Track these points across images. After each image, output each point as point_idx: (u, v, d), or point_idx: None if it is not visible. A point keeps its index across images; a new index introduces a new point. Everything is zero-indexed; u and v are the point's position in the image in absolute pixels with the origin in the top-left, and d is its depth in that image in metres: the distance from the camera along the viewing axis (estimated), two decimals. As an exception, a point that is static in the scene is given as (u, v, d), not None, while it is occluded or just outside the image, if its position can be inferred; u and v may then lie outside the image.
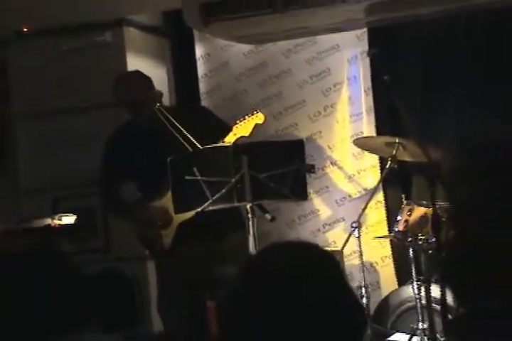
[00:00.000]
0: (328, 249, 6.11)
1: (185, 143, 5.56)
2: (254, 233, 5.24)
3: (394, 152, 5.84)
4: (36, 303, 2.34)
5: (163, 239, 5.78)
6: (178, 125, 5.60)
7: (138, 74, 5.98)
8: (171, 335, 5.66)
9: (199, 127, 5.70)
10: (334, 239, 6.65)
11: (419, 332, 5.63)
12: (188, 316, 5.69)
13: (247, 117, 5.56)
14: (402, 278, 6.48)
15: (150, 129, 5.74)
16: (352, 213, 6.50)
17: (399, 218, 5.80)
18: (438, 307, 5.46)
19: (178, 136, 5.58)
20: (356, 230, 5.88)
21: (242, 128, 5.54)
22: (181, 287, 5.78)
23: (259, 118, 5.57)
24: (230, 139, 5.51)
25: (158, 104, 5.76)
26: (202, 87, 7.29)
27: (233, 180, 5.13)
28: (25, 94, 7.05)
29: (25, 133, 7.07)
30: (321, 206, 6.92)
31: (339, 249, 6.05)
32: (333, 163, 6.91)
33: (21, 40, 6.97)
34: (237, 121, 5.56)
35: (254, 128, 5.50)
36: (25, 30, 6.89)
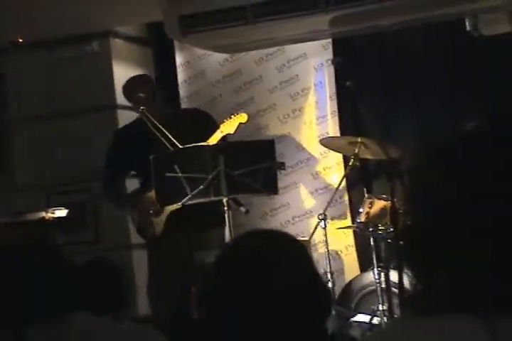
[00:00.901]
0: (298, 238, 6.11)
1: (167, 142, 5.57)
2: (229, 224, 5.25)
3: (356, 151, 5.85)
4: (35, 287, 2.35)
5: (155, 227, 5.78)
6: (160, 126, 5.60)
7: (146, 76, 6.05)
8: (157, 317, 5.65)
9: (189, 128, 5.72)
10: (303, 229, 6.64)
11: (379, 313, 5.64)
12: (174, 300, 5.69)
13: (232, 117, 5.56)
14: (364, 265, 6.48)
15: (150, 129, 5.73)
16: (318, 206, 6.52)
17: (361, 210, 5.81)
18: (396, 290, 5.49)
19: (160, 136, 5.58)
20: (322, 222, 5.89)
21: (228, 127, 5.54)
22: (169, 272, 5.78)
23: (242, 117, 5.58)
24: (216, 136, 5.53)
25: (142, 108, 5.75)
26: (182, 92, 7.28)
27: (210, 177, 5.14)
28: (21, 99, 7.03)
29: (21, 135, 7.05)
30: (290, 200, 6.92)
31: (307, 238, 6.04)
32: (301, 161, 6.91)
33: (17, 50, 6.96)
34: (224, 120, 5.56)
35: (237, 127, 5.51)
36: (20, 41, 6.88)
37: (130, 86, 5.94)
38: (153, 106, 5.74)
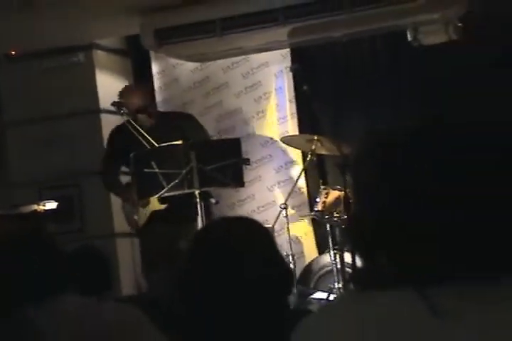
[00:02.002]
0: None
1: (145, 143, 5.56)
2: (201, 214, 5.24)
3: (313, 147, 5.85)
4: (29, 271, 2.35)
5: (140, 219, 5.76)
6: (140, 129, 5.59)
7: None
8: (142, 297, 5.65)
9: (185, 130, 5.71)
10: (267, 218, 6.63)
11: (335, 290, 5.65)
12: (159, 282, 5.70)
13: None
14: (322, 248, 6.48)
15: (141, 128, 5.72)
16: (280, 197, 6.52)
17: (318, 200, 5.82)
18: (350, 270, 5.51)
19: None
20: (284, 210, 5.90)
21: None
22: (152, 258, 5.78)
23: None
24: None
25: (122, 111, 5.74)
26: (158, 97, 7.23)
27: (184, 172, 5.13)
28: (13, 104, 6.98)
29: (14, 137, 7.01)
30: (255, 192, 6.91)
31: (271, 226, 6.04)
32: (265, 157, 6.91)
33: (10, 61, 6.92)
34: None
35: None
36: (12, 53, 6.85)
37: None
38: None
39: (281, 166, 6.90)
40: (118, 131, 5.97)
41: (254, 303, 2.02)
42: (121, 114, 5.89)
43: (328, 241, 5.87)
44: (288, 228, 5.96)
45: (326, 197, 5.72)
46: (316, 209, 5.83)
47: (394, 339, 1.06)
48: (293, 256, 5.89)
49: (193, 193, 5.21)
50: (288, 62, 6.66)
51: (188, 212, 5.57)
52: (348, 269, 5.56)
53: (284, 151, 6.81)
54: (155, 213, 5.65)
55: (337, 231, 5.80)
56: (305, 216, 6.45)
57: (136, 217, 5.76)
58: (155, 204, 5.62)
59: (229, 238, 2.09)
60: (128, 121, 5.72)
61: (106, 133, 6.27)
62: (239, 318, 1.99)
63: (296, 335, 1.18)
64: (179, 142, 5.43)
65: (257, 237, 2.14)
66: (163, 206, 5.57)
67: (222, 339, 1.99)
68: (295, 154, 6.76)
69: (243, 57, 6.74)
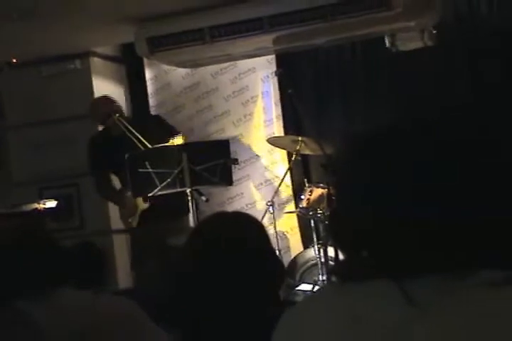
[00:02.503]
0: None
1: (139, 143, 5.54)
2: (193, 211, 5.24)
3: (298, 147, 5.86)
4: (30, 265, 2.34)
5: (133, 221, 5.78)
6: (133, 130, 5.59)
7: (105, 97, 6.04)
8: (137, 290, 5.64)
9: (153, 131, 5.70)
10: (255, 214, 6.61)
11: (319, 282, 5.66)
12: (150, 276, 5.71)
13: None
14: (306, 243, 6.48)
15: (116, 135, 5.71)
16: (267, 194, 6.52)
17: (302, 197, 5.82)
18: (333, 263, 5.51)
19: (133, 138, 5.56)
20: (271, 207, 5.90)
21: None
22: (144, 253, 5.79)
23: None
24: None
25: (117, 115, 5.74)
26: (151, 101, 7.26)
27: (176, 171, 5.13)
28: (15, 109, 6.97)
29: (15, 139, 6.99)
30: (243, 190, 6.91)
31: (259, 222, 6.05)
32: (252, 157, 6.91)
33: (11, 68, 6.91)
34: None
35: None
36: (14, 61, 6.84)
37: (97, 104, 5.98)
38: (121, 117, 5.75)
39: (268, 166, 6.91)
40: (93, 142, 5.99)
41: (250, 293, 2.01)
42: (116, 118, 5.90)
43: (312, 236, 5.87)
44: (274, 224, 5.96)
45: (310, 195, 5.73)
46: (300, 205, 5.84)
47: (371, 328, 1.06)
48: (279, 250, 5.90)
49: (184, 191, 5.22)
50: (273, 68, 6.67)
51: (174, 208, 5.60)
52: (331, 262, 5.56)
53: (271, 152, 6.81)
54: (143, 213, 5.66)
55: (321, 227, 5.81)
56: (291, 212, 6.44)
57: (130, 220, 5.78)
58: (141, 204, 5.64)
59: (225, 232, 2.09)
60: (101, 131, 5.79)
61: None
62: (233, 309, 1.98)
63: (280, 326, 1.18)
64: (170, 143, 5.48)
65: (251, 231, 2.13)
66: (146, 205, 5.60)
67: (216, 328, 1.98)
68: (281, 154, 6.77)
69: (231, 63, 6.75)
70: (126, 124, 5.62)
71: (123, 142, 5.62)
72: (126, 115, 6.03)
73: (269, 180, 6.85)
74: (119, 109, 5.86)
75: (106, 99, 5.99)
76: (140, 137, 5.57)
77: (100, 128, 6.10)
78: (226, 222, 2.14)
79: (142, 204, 5.66)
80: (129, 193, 5.64)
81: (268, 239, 2.15)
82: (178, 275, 2.11)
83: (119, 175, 5.82)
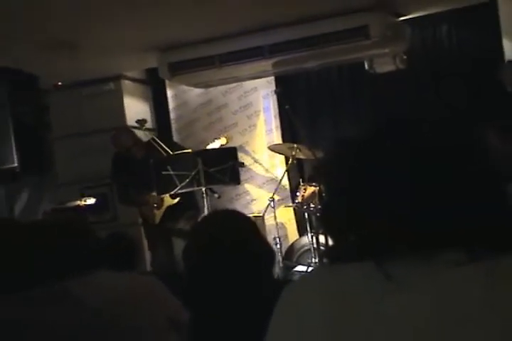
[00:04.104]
0: (255, 215, 6.12)
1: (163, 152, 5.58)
2: (207, 206, 5.23)
3: (293, 153, 5.84)
4: (73, 252, 2.34)
5: (155, 216, 5.77)
6: (164, 146, 5.63)
7: (125, 132, 6.03)
8: (157, 270, 5.64)
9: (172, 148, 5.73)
10: (258, 208, 6.64)
11: (312, 264, 5.65)
12: (163, 260, 5.72)
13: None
14: (301, 232, 6.47)
15: (135, 156, 5.78)
16: (269, 192, 6.50)
17: (298, 194, 5.81)
18: (323, 248, 5.50)
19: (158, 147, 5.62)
20: (272, 202, 5.89)
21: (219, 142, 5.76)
22: (161, 240, 5.79)
23: (223, 140, 5.79)
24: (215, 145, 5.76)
25: (144, 127, 5.78)
26: (172, 115, 7.27)
27: (193, 173, 5.13)
28: (61, 123, 6.97)
29: (60, 148, 6.99)
30: (249, 188, 6.91)
31: (262, 214, 6.05)
32: (256, 161, 6.91)
33: (57, 90, 6.93)
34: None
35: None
36: (59, 84, 6.87)
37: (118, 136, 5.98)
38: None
39: (269, 168, 6.93)
40: (116, 157, 6.00)
41: (248, 274, 2.00)
42: (143, 130, 5.94)
43: (306, 226, 5.86)
44: (275, 216, 5.94)
45: (304, 192, 5.72)
46: (296, 201, 5.82)
47: (355, 301, 1.05)
48: (279, 238, 5.89)
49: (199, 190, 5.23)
50: (273, 87, 6.67)
51: (190, 209, 5.65)
52: (322, 248, 5.55)
53: (271, 157, 6.81)
54: (168, 208, 5.68)
55: (313, 218, 5.79)
56: (288, 206, 6.43)
57: (154, 212, 5.79)
58: (168, 200, 5.66)
59: (221, 226, 2.07)
60: (123, 151, 5.84)
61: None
62: (234, 287, 1.97)
63: (281, 299, 1.17)
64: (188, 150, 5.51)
65: (242, 225, 2.12)
66: (175, 200, 5.61)
67: (220, 303, 1.97)
68: (280, 158, 6.76)
69: (237, 83, 6.75)
70: (161, 144, 5.69)
71: (139, 162, 5.65)
72: (150, 129, 6.06)
73: (270, 180, 6.84)
74: (136, 139, 5.87)
75: (127, 134, 5.95)
76: (168, 150, 5.62)
77: None
78: (222, 219, 2.13)
79: (170, 201, 5.67)
80: (152, 194, 5.65)
81: (258, 231, 2.13)
82: (185, 261, 2.09)
83: (135, 183, 5.81)
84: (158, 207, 5.72)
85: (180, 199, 5.61)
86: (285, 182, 6.61)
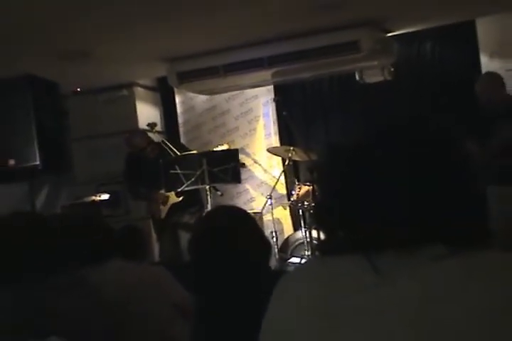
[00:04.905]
0: (254, 211, 6.12)
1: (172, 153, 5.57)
2: (210, 203, 5.23)
3: (290, 155, 5.84)
4: (90, 243, 2.35)
5: (161, 212, 5.77)
6: (173, 148, 5.63)
7: (139, 135, 5.97)
8: (165, 261, 5.64)
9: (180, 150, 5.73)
10: (257, 205, 6.64)
11: (305, 256, 5.65)
12: (170, 250, 5.72)
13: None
14: (296, 227, 6.47)
15: (147, 156, 5.74)
16: (267, 190, 6.51)
17: (293, 192, 5.81)
18: (316, 242, 5.50)
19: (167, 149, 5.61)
20: (269, 200, 5.89)
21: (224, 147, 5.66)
22: (167, 233, 5.79)
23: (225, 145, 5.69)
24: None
25: (154, 130, 5.78)
26: (180, 120, 7.26)
27: (198, 173, 5.13)
28: (78, 126, 6.98)
29: (79, 149, 6.98)
30: (249, 187, 6.91)
31: (260, 211, 6.05)
32: (256, 162, 6.90)
33: (76, 96, 6.93)
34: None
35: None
36: (78, 90, 6.86)
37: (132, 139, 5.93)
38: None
39: (267, 168, 6.91)
40: (129, 157, 5.97)
41: (247, 265, 2.00)
42: (154, 132, 5.93)
43: (300, 221, 5.86)
44: (272, 212, 5.95)
45: (299, 191, 5.72)
46: (292, 199, 5.83)
47: (345, 291, 1.05)
48: (276, 232, 5.89)
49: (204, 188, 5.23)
50: (272, 95, 6.67)
51: (195, 206, 5.65)
52: (314, 241, 5.55)
53: (270, 158, 6.80)
54: (173, 205, 5.67)
55: (307, 215, 5.80)
56: (284, 204, 6.43)
57: (160, 208, 5.79)
58: (173, 198, 5.66)
59: (222, 220, 2.07)
60: (136, 152, 5.80)
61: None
62: (235, 276, 1.97)
63: (277, 288, 1.17)
64: (194, 152, 5.51)
65: (245, 219, 2.12)
66: (179, 198, 5.61)
67: (223, 291, 1.97)
68: (277, 160, 6.75)
69: (240, 91, 6.74)
70: (169, 145, 5.68)
71: (150, 162, 5.65)
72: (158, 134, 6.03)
73: (268, 180, 6.84)
74: (150, 141, 5.85)
75: (141, 136, 5.89)
76: (176, 151, 5.62)
77: None
78: (224, 215, 2.13)
79: (175, 198, 5.67)
80: (160, 191, 5.65)
81: (256, 225, 2.13)
82: (191, 252, 2.09)
83: (146, 181, 5.81)
84: (164, 204, 5.73)
85: (184, 197, 5.60)
86: (282, 181, 6.61)
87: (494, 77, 4.80)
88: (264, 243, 2.09)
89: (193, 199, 5.69)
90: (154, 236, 6.17)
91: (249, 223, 2.10)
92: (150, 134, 6.06)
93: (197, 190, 5.45)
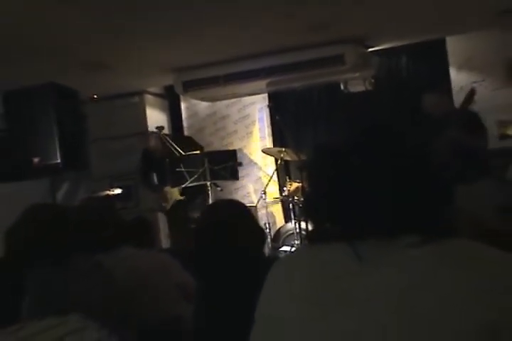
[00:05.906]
0: (250, 205, 6.12)
1: (176, 152, 5.54)
2: (211, 198, 5.23)
3: (282, 155, 5.84)
4: (102, 231, 2.33)
5: (167, 206, 5.76)
6: (174, 144, 5.60)
7: (155, 134, 5.98)
8: (174, 248, 5.64)
9: (186, 145, 5.70)
10: (253, 200, 6.64)
11: (295, 245, 5.65)
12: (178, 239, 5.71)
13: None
14: (287, 219, 6.47)
15: (158, 155, 5.70)
16: (261, 186, 6.51)
17: (285, 188, 5.81)
18: (305, 232, 5.49)
19: (172, 149, 5.58)
20: (264, 195, 5.88)
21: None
22: (175, 224, 5.78)
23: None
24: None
25: (161, 133, 5.76)
26: (184, 124, 7.25)
27: (200, 170, 5.12)
28: (96, 129, 6.95)
29: (95, 149, 6.96)
30: (246, 183, 6.90)
31: (255, 205, 6.04)
32: (252, 161, 6.90)
33: (93, 102, 6.91)
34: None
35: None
36: (95, 97, 6.83)
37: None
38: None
39: (262, 167, 6.91)
40: (145, 153, 5.98)
41: (244, 252, 2.00)
42: (161, 135, 5.92)
43: (291, 214, 5.85)
44: (266, 206, 5.94)
45: (290, 187, 5.72)
46: (284, 194, 5.82)
47: (331, 277, 1.05)
48: (269, 223, 5.89)
49: (206, 184, 5.22)
50: (266, 102, 6.67)
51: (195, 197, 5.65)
52: (303, 232, 5.55)
53: (264, 158, 6.80)
54: (176, 201, 5.67)
55: (296, 209, 5.80)
56: (277, 198, 6.43)
57: (164, 204, 5.78)
58: (177, 195, 5.65)
59: (223, 213, 2.06)
60: (151, 150, 5.81)
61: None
62: (234, 261, 1.97)
63: (270, 272, 1.17)
64: (197, 152, 5.50)
65: (243, 211, 2.11)
66: (182, 197, 5.61)
67: (223, 275, 1.97)
68: (271, 159, 6.75)
69: (238, 98, 6.73)
70: (169, 140, 5.64)
71: (160, 160, 5.65)
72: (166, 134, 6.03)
73: (263, 177, 6.83)
74: (163, 142, 5.84)
75: (156, 138, 5.89)
76: (177, 148, 5.58)
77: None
78: (224, 207, 2.12)
79: (178, 196, 5.66)
80: (167, 187, 5.64)
81: (252, 215, 2.12)
82: (195, 241, 2.08)
83: (158, 174, 5.80)
84: (165, 199, 5.74)
85: (186, 196, 5.60)
86: (274, 179, 6.61)
87: (437, 99, 4.66)
88: (260, 229, 2.09)
89: (198, 194, 5.66)
90: (161, 226, 6.16)
91: (246, 214, 2.10)
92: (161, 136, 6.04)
93: (201, 185, 5.41)
